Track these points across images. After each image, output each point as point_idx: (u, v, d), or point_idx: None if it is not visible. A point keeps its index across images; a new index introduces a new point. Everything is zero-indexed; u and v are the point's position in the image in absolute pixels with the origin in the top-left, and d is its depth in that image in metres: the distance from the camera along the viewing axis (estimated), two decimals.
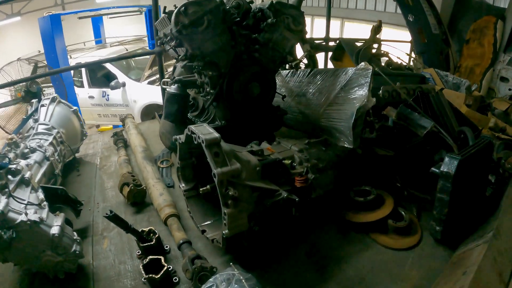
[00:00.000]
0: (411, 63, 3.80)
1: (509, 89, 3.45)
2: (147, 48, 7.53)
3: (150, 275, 1.20)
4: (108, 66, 6.03)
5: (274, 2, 1.53)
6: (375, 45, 3.46)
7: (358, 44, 3.40)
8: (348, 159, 1.59)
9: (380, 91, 2.27)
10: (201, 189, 1.25)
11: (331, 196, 1.52)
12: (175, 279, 1.28)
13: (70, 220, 1.38)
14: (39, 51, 6.85)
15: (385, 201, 1.53)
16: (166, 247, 1.43)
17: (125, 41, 7.32)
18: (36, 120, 1.92)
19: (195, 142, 1.09)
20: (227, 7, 1.46)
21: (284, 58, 1.67)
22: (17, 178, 1.28)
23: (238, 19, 1.54)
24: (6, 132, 2.97)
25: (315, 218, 1.49)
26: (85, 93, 6.30)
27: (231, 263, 1.19)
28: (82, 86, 6.34)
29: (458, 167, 1.26)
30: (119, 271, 1.34)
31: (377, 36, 3.52)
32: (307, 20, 7.93)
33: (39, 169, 1.51)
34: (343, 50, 2.96)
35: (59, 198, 1.45)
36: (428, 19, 3.43)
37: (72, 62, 6.16)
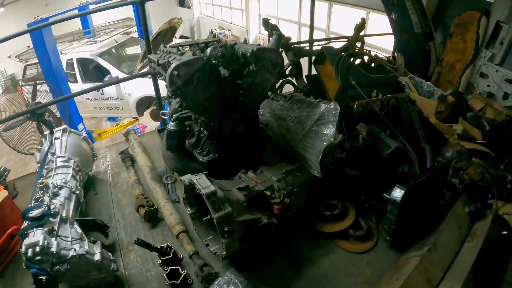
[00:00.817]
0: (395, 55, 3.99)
1: (488, 85, 3.49)
2: (137, 35, 7.48)
3: (172, 281, 1.66)
4: (100, 61, 6.12)
5: (254, 50, 1.78)
6: (358, 44, 3.66)
7: (342, 42, 3.60)
8: (320, 178, 1.98)
9: (355, 106, 2.59)
10: (204, 218, 1.65)
11: (305, 209, 1.94)
12: (190, 281, 1.74)
13: (104, 243, 1.81)
14: (28, 47, 6.83)
15: (348, 213, 1.95)
16: (180, 256, 1.89)
17: (113, 30, 7.23)
18: (53, 153, 2.24)
19: (197, 192, 1.47)
20: (213, 61, 1.72)
21: (265, 96, 1.97)
22: (57, 219, 1.65)
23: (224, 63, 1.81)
24: (18, 152, 3.28)
25: (292, 228, 1.92)
26: (79, 88, 6.46)
27: (229, 270, 1.65)
28: (76, 81, 6.48)
29: (403, 197, 1.62)
30: (147, 277, 1.79)
31: (361, 33, 3.69)
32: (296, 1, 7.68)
33: (69, 203, 1.89)
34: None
35: (90, 226, 1.86)
36: (411, 17, 3.53)
37: (63, 59, 6.23)
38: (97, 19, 9.13)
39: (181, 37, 13.53)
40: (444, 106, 2.92)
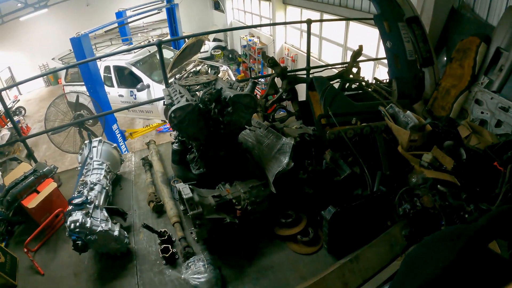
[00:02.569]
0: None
1: (481, 112, 3.73)
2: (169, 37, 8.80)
3: (164, 255, 2.57)
4: (134, 70, 7.44)
5: (231, 96, 2.59)
6: (355, 70, 4.26)
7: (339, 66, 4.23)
8: (284, 193, 2.74)
9: (327, 134, 3.27)
10: (188, 214, 2.54)
11: (267, 216, 2.73)
12: (177, 257, 2.63)
13: (123, 225, 2.80)
14: (70, 50, 8.44)
15: (301, 221, 2.69)
16: (173, 238, 2.80)
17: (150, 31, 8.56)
18: (91, 158, 3.31)
19: (182, 197, 2.36)
20: (200, 105, 2.58)
21: (242, 128, 2.79)
22: (92, 206, 2.61)
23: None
24: (63, 151, 4.51)
25: (255, 230, 2.71)
26: (115, 92, 7.90)
27: (201, 251, 2.52)
28: (112, 85, 7.91)
29: (332, 216, 2.24)
30: (149, 251, 2.71)
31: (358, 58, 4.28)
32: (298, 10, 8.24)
33: (101, 195, 2.88)
34: None
35: (114, 212, 2.85)
36: (405, 45, 3.98)
37: (101, 66, 7.66)
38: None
39: (214, 39, 14.89)
40: (417, 135, 3.44)
